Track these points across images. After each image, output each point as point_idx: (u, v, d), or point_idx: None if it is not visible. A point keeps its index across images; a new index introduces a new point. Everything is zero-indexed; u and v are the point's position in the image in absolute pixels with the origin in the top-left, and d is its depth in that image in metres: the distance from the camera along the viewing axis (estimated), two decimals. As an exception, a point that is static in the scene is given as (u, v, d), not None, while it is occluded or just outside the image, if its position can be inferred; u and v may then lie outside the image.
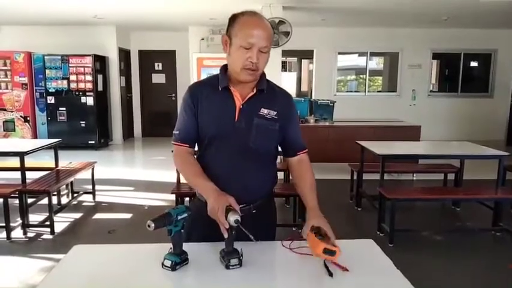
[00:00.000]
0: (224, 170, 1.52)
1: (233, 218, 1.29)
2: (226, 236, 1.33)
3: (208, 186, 1.45)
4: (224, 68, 1.56)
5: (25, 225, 3.87)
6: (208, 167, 1.53)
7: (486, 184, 4.54)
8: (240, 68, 1.46)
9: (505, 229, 3.89)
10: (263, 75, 1.57)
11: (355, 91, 10.09)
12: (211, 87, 1.55)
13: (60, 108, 8.03)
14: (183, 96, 1.59)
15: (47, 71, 7.96)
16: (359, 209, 4.68)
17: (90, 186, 4.94)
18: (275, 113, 1.52)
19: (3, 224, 3.69)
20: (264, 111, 1.52)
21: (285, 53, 8.77)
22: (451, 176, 4.96)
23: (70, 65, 7.95)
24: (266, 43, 1.44)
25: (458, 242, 3.82)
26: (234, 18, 1.48)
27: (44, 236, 3.84)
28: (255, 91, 1.53)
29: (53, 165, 4.65)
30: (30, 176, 4.16)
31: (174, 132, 1.59)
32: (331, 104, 6.31)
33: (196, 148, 1.62)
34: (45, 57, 7.95)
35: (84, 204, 4.83)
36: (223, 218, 1.32)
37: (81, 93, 8.02)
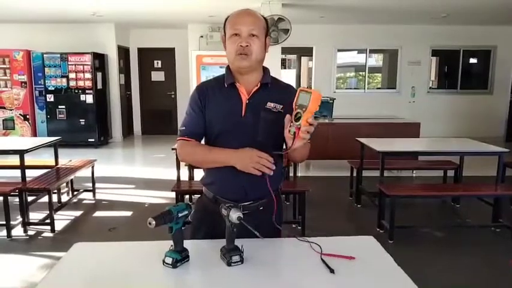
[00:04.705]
0: (233, 167, 1.50)
1: (235, 215, 1.29)
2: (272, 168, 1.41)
3: (226, 151, 1.49)
4: (229, 67, 1.60)
5: (25, 223, 3.87)
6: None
7: (486, 180, 4.55)
8: (234, 55, 1.51)
9: (505, 225, 3.90)
10: (266, 70, 1.60)
11: (355, 88, 10.10)
12: (217, 85, 1.59)
13: (59, 107, 8.03)
14: (191, 95, 1.61)
15: (46, 69, 7.95)
16: (359, 206, 4.69)
17: (90, 184, 4.94)
18: (281, 106, 1.53)
19: (4, 222, 3.69)
20: (271, 104, 1.53)
21: (285, 50, 8.73)
22: (450, 173, 4.97)
23: (69, 63, 7.93)
24: (253, 26, 1.50)
25: (458, 239, 3.84)
26: (227, 18, 1.56)
27: (45, 234, 3.84)
28: (259, 85, 1.55)
29: (52, 163, 4.66)
30: (30, 174, 4.16)
31: (179, 128, 1.60)
32: (330, 101, 6.31)
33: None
34: (44, 55, 7.93)
35: (84, 202, 4.84)
36: (264, 154, 1.40)
37: (80, 91, 8.01)
